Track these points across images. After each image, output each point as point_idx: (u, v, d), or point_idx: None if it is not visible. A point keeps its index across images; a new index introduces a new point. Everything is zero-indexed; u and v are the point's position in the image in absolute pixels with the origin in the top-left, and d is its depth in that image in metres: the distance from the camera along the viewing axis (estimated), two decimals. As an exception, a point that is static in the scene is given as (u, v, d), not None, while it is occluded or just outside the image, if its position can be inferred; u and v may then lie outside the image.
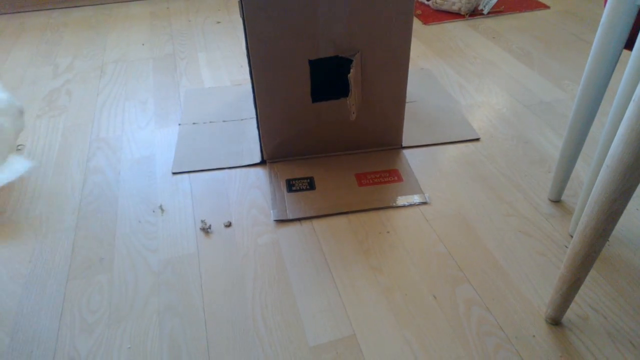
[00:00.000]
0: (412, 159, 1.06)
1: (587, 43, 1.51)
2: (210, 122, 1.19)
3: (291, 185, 0.99)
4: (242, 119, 1.20)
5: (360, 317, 0.74)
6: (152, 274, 0.82)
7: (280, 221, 0.92)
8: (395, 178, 1.01)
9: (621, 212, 0.59)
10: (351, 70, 0.94)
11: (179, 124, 1.18)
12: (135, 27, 1.69)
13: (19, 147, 1.12)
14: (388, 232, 0.89)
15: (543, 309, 0.75)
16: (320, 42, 0.92)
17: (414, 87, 1.30)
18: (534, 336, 0.71)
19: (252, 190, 0.99)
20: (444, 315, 0.74)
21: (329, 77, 1.09)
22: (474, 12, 1.73)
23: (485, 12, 1.72)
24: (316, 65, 0.96)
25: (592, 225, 0.61)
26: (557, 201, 0.95)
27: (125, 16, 1.78)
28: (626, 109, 0.71)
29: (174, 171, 1.04)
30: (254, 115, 1.00)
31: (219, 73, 1.40)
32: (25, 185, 1.01)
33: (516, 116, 1.19)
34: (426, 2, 1.80)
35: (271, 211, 0.94)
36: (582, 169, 1.02)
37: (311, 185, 0.99)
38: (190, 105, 1.26)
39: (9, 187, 1.01)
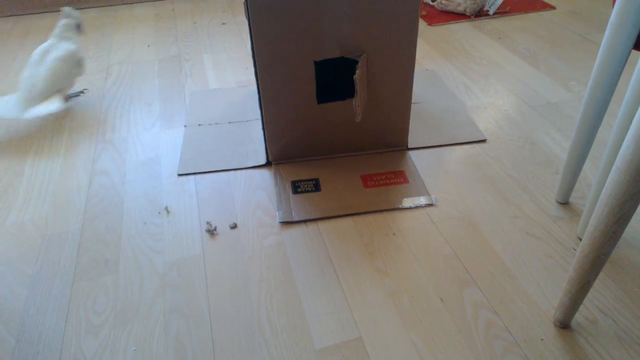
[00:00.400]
0: (418, 160, 1.05)
1: (593, 43, 1.50)
2: (216, 123, 1.19)
3: (296, 187, 0.99)
4: (247, 121, 1.19)
5: (366, 320, 0.74)
6: (158, 276, 0.82)
7: (286, 223, 0.91)
8: (401, 179, 1.00)
9: (631, 215, 0.58)
10: (357, 71, 0.93)
11: (185, 126, 1.19)
12: (140, 29, 1.70)
13: (84, 91, 1.34)
14: (394, 234, 0.88)
15: (551, 312, 0.74)
16: (325, 43, 0.92)
17: (420, 88, 1.30)
18: (542, 339, 0.71)
19: (258, 191, 0.99)
20: (451, 318, 0.74)
21: (335, 78, 1.09)
22: (480, 13, 1.72)
23: (490, 12, 1.71)
24: (322, 66, 0.96)
25: (602, 227, 0.60)
26: (564, 203, 0.94)
27: (130, 18, 1.78)
28: (635, 110, 0.71)
29: (180, 173, 1.04)
30: (259, 117, 1.00)
31: (224, 74, 1.40)
32: (32, 185, 1.02)
33: (522, 117, 1.18)
34: (431, 3, 1.80)
35: (276, 213, 0.93)
36: (590, 171, 1.01)
37: (316, 187, 0.99)
38: (196, 107, 1.26)
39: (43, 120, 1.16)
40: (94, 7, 1.88)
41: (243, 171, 1.04)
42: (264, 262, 0.84)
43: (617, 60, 0.74)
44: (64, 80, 1.22)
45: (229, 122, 1.19)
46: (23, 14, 1.84)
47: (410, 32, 0.93)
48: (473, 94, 1.28)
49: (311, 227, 0.91)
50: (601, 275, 0.80)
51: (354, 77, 0.94)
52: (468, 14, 1.70)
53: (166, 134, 1.16)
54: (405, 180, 1.00)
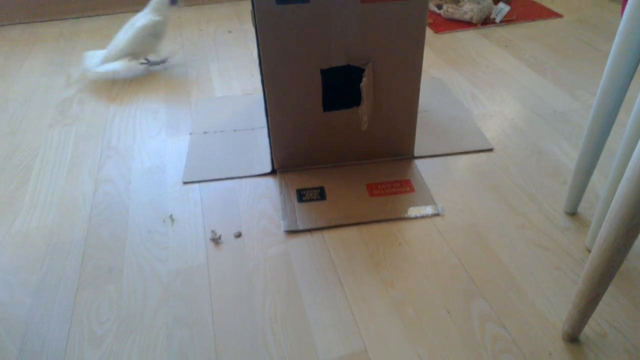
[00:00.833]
0: (424, 169, 1.05)
1: (601, 52, 1.49)
2: (221, 131, 1.19)
3: (302, 195, 0.98)
4: (252, 128, 1.19)
5: (371, 331, 0.73)
6: (162, 285, 0.81)
7: (291, 232, 0.91)
8: (407, 189, 1.00)
9: (642, 227, 0.57)
10: (363, 80, 0.93)
11: (190, 133, 1.19)
12: (147, 37, 1.70)
13: (165, 60, 1.50)
14: (400, 244, 0.87)
15: (559, 325, 0.73)
16: (332, 51, 0.92)
17: (426, 96, 1.29)
18: (550, 353, 0.69)
19: (263, 200, 0.98)
20: (457, 331, 0.73)
21: (341, 86, 1.08)
22: (486, 21, 1.72)
23: (497, 20, 1.71)
24: (328, 74, 0.96)
25: (611, 239, 0.59)
26: (572, 213, 0.93)
27: (137, 26, 1.79)
28: (645, 120, 0.70)
29: (185, 180, 1.04)
30: (265, 125, 1.00)
31: (230, 82, 1.40)
32: (37, 192, 1.02)
33: (529, 126, 1.17)
34: (438, 11, 1.80)
35: (281, 222, 0.93)
36: (598, 181, 1.00)
37: (322, 196, 0.98)
38: (201, 115, 1.26)
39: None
40: (101, 15, 1.89)
41: (248, 179, 1.04)
42: (268, 271, 0.83)
43: (626, 70, 0.73)
44: (139, 46, 1.38)
45: (235, 130, 1.19)
46: (31, 22, 1.86)
47: (417, 40, 0.93)
48: (480, 102, 1.27)
49: (316, 236, 0.90)
50: (610, 287, 0.78)
51: (361, 85, 0.94)
52: (474, 22, 1.70)
53: (172, 142, 1.16)
54: (412, 189, 0.99)
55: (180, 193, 1.01)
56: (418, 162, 1.07)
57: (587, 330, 0.72)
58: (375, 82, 0.97)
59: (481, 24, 1.70)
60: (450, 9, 1.73)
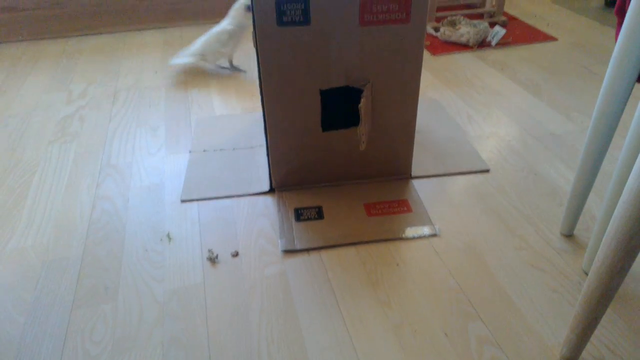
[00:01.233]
0: (421, 189, 1.05)
1: (596, 75, 1.52)
2: (221, 149, 1.19)
3: (299, 215, 0.98)
4: (252, 147, 1.20)
5: (368, 354, 0.72)
6: (157, 304, 0.81)
7: (288, 251, 0.91)
8: (405, 208, 1.00)
9: (639, 249, 0.57)
10: (362, 100, 0.94)
11: (190, 151, 1.19)
12: (148, 55, 1.72)
13: (235, 70, 1.59)
14: (397, 264, 0.87)
15: (557, 348, 0.73)
16: (331, 72, 0.93)
17: (423, 117, 1.31)
18: (549, 377, 0.69)
19: (260, 218, 0.98)
20: (455, 353, 0.72)
21: (340, 107, 1.09)
22: (482, 44, 1.75)
23: (493, 43, 1.74)
24: (327, 95, 0.97)
25: (609, 262, 0.59)
26: (569, 235, 0.93)
27: (139, 44, 1.82)
28: (640, 144, 0.71)
29: (183, 199, 1.04)
30: (264, 143, 1.01)
31: (231, 101, 1.42)
32: (35, 209, 1.02)
33: (525, 147, 1.18)
34: (435, 34, 1.83)
35: (279, 241, 0.93)
36: (594, 203, 1.00)
37: (320, 215, 0.99)
38: (201, 133, 1.26)
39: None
40: (104, 34, 1.92)
41: (246, 198, 1.04)
42: (265, 291, 0.83)
43: (620, 94, 0.74)
44: (208, 49, 1.52)
45: (234, 149, 1.20)
46: (34, 40, 1.88)
47: (414, 62, 0.94)
48: (476, 123, 1.29)
49: (313, 255, 0.90)
50: (608, 311, 0.78)
51: (359, 105, 0.95)
52: (471, 45, 1.72)
53: (171, 160, 1.17)
54: (409, 209, 1.00)
55: (178, 211, 1.01)
56: (415, 182, 1.07)
57: (585, 354, 0.72)
58: (374, 103, 0.98)
59: (477, 47, 1.73)
60: (447, 32, 1.76)
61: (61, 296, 0.83)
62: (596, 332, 0.75)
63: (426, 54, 1.70)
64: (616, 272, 0.59)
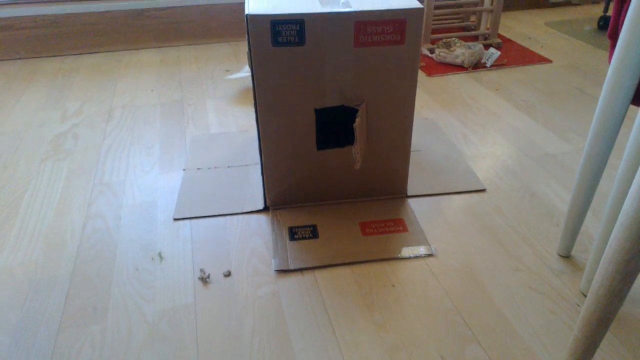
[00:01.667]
0: (417, 208, 1.04)
1: (591, 96, 1.53)
2: (215, 167, 1.19)
3: (294, 234, 0.97)
4: (246, 165, 1.19)
5: (363, 378, 0.70)
6: (147, 325, 0.79)
7: (282, 271, 0.89)
8: (401, 228, 0.99)
9: (638, 272, 0.56)
10: (356, 120, 0.94)
11: (184, 169, 1.18)
12: (145, 74, 1.73)
13: None
14: (393, 285, 0.86)
15: (557, 372, 0.71)
16: (326, 92, 0.93)
17: (419, 136, 1.31)
18: (548, 403, 0.67)
19: (254, 237, 0.97)
20: (452, 378, 0.70)
21: (335, 126, 1.09)
22: (477, 65, 1.76)
23: (488, 65, 1.75)
24: (322, 114, 0.97)
25: (607, 285, 0.58)
26: (566, 256, 0.92)
27: (136, 63, 1.82)
28: (636, 164, 0.70)
29: (176, 217, 1.02)
30: (259, 161, 1.00)
31: (226, 119, 1.42)
32: (25, 227, 1.00)
33: (521, 168, 1.18)
34: (430, 55, 1.84)
35: (272, 260, 0.91)
36: (591, 224, 1.00)
37: (314, 234, 0.97)
38: (196, 151, 1.26)
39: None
40: (101, 52, 1.93)
41: (240, 216, 1.03)
42: (257, 313, 0.81)
43: (615, 116, 0.74)
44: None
45: (228, 167, 1.19)
46: (30, 58, 1.88)
47: (409, 82, 0.95)
48: (472, 143, 1.29)
49: (307, 276, 0.88)
50: (608, 334, 0.76)
51: (354, 125, 0.94)
52: (466, 66, 1.74)
53: (164, 178, 1.16)
54: (405, 229, 0.99)
55: (170, 230, 0.99)
56: (411, 201, 1.06)
57: (585, 379, 0.70)
58: (369, 122, 0.98)
59: (472, 68, 1.74)
60: (442, 53, 1.77)
61: (48, 317, 0.80)
62: (596, 355, 0.73)
63: (421, 75, 1.71)
64: (615, 295, 0.58)
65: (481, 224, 1.00)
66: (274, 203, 1.04)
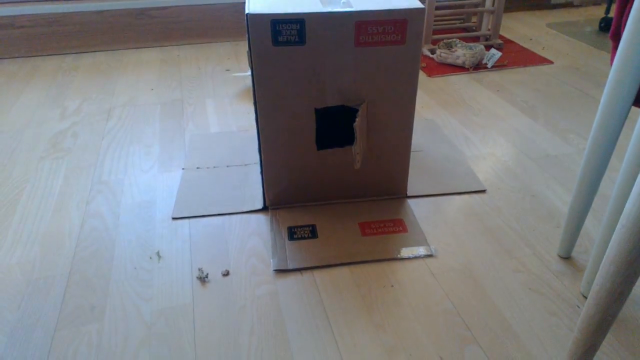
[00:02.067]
0: (417, 208, 1.04)
1: (592, 98, 1.53)
2: (214, 167, 1.18)
3: (293, 233, 0.97)
4: (245, 164, 1.19)
5: (361, 379, 0.70)
6: (144, 325, 0.78)
7: (280, 271, 0.88)
8: (400, 228, 0.98)
9: (639, 274, 0.56)
10: (357, 120, 0.94)
11: (183, 169, 1.18)
12: (145, 73, 1.73)
13: None
14: (392, 285, 0.85)
15: (557, 374, 0.70)
16: (327, 91, 0.93)
17: (419, 137, 1.30)
18: (548, 405, 0.66)
19: (253, 237, 0.96)
20: (451, 379, 0.70)
21: (335, 125, 1.09)
22: (478, 66, 1.76)
23: (489, 66, 1.75)
24: (322, 114, 0.96)
25: (608, 287, 0.58)
26: (567, 258, 0.91)
27: (136, 62, 1.82)
28: (637, 166, 0.70)
29: (174, 216, 1.02)
30: (258, 161, 1.00)
31: (226, 119, 1.41)
32: (22, 226, 1.00)
33: (522, 169, 1.18)
34: (431, 56, 1.84)
35: (271, 260, 0.91)
36: (592, 225, 0.99)
37: (313, 234, 0.97)
38: (195, 150, 1.25)
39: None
40: (101, 51, 1.92)
41: (239, 216, 1.02)
42: (255, 313, 0.80)
43: (616, 117, 0.74)
44: None
45: (227, 166, 1.18)
46: (30, 56, 1.88)
47: (410, 82, 0.94)
48: (472, 144, 1.28)
49: (306, 275, 0.88)
50: (608, 336, 0.76)
51: (354, 125, 0.94)
52: (467, 67, 1.74)
53: (163, 177, 1.15)
54: (404, 229, 0.98)
55: (169, 229, 0.99)
56: (411, 202, 1.06)
57: (585, 381, 0.69)
58: (369, 122, 0.97)
59: (473, 69, 1.74)
60: (443, 54, 1.77)
61: (45, 316, 0.80)
62: (596, 357, 0.73)
63: (422, 76, 1.71)
64: (615, 298, 0.58)
65: (481, 224, 1.00)
66: (273, 203, 1.04)
